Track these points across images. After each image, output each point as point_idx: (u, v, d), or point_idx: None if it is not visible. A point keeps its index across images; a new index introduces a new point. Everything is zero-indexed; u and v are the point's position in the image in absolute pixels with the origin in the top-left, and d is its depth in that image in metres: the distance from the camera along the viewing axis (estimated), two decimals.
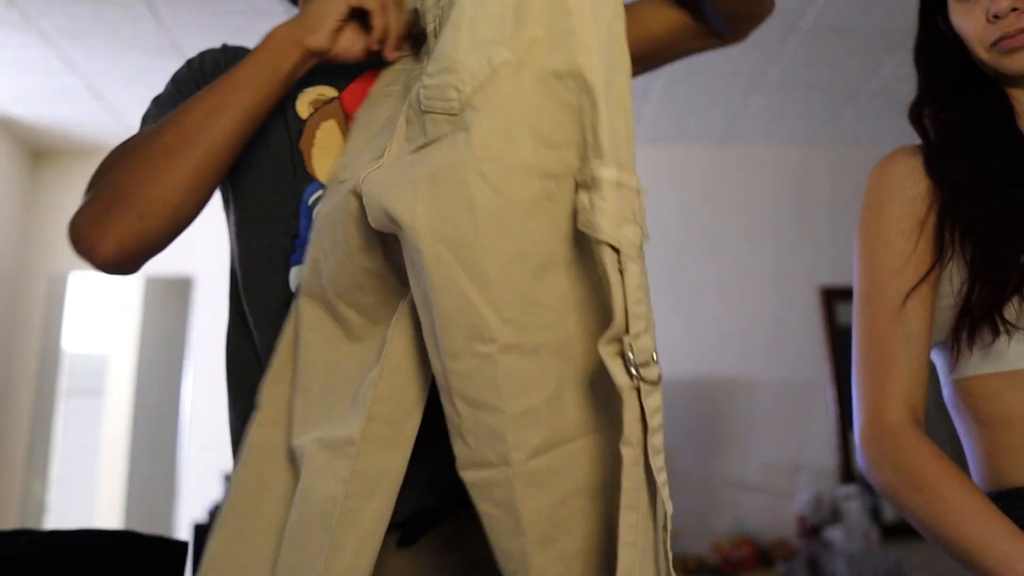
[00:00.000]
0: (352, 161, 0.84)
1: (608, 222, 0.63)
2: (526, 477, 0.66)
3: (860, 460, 0.94)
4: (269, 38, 0.91)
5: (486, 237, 0.66)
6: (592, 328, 0.67)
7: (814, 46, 3.06)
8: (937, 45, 1.05)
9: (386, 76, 0.93)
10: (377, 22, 0.89)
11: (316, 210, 0.87)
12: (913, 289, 0.94)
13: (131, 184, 0.86)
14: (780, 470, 3.52)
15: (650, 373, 0.63)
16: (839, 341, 3.72)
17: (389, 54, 0.91)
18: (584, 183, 0.65)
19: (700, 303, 3.70)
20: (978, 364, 0.93)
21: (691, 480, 3.48)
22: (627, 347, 0.62)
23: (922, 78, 1.06)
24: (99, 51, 2.97)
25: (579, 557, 0.67)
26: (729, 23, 1.03)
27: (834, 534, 3.17)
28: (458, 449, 0.68)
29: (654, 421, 0.62)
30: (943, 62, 1.04)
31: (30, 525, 3.36)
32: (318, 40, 0.89)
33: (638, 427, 0.62)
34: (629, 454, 0.62)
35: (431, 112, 0.73)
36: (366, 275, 0.78)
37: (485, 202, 0.66)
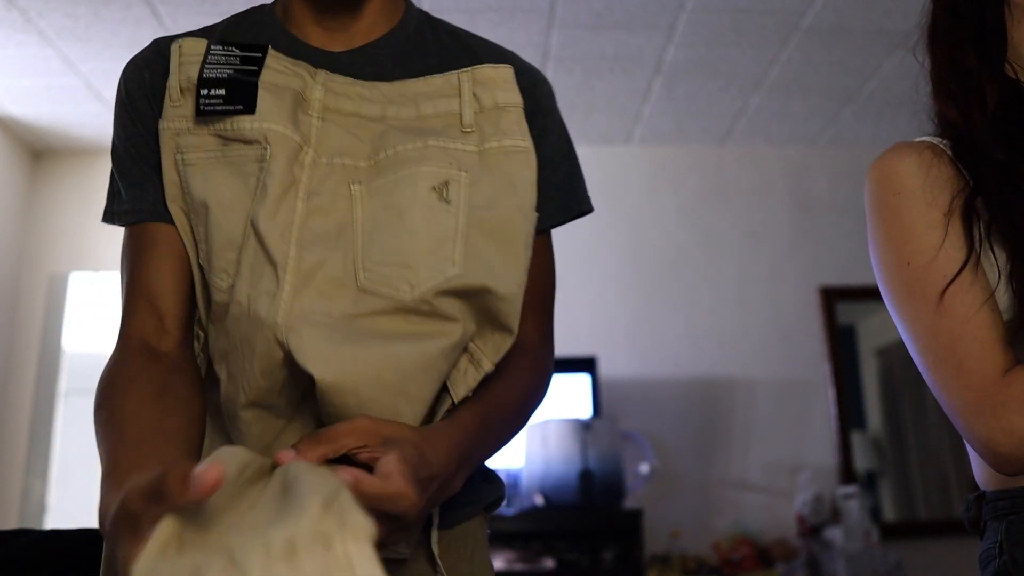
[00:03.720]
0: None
1: None
2: None
3: (980, 435, 0.82)
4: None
5: None
6: None
7: (814, 46, 3.06)
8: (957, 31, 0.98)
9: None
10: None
11: None
12: (953, 279, 0.86)
13: None
14: (780, 470, 3.53)
15: None
16: (839, 341, 3.72)
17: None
18: None
19: (700, 303, 3.71)
20: None
21: (691, 480, 3.49)
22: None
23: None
24: (99, 51, 2.97)
25: None
26: None
27: (834, 534, 3.17)
28: None
29: None
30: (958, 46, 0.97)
31: (30, 525, 3.36)
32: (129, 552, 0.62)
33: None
34: None
35: None
36: None
37: None
